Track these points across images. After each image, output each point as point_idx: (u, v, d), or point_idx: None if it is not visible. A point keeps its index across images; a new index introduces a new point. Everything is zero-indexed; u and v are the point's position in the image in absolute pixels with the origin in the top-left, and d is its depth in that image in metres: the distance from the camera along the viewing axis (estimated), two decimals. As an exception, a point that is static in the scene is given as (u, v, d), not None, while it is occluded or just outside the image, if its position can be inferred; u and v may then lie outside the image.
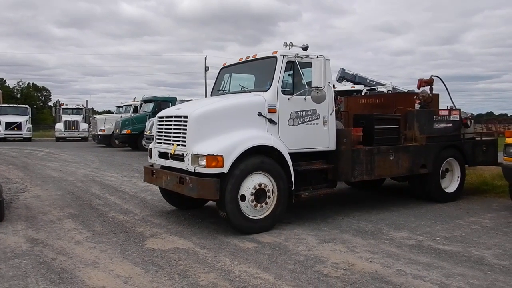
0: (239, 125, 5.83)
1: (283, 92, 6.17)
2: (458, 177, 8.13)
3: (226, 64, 7.36)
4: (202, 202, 7.19)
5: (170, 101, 21.82)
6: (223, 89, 7.24)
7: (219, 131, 5.71)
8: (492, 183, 9.42)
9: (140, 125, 20.68)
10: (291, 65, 6.26)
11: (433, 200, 7.81)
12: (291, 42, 6.38)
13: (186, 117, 5.84)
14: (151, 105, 21.83)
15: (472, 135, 8.82)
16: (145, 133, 19.28)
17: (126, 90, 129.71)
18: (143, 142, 20.60)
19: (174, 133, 6.11)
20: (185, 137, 5.80)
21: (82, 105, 33.48)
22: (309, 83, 6.14)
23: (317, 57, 6.03)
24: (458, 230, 5.90)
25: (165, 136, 6.34)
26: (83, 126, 30.35)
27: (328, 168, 6.58)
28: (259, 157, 5.74)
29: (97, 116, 27.12)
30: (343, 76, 15.25)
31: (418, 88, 8.50)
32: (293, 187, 6.02)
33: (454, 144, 8.04)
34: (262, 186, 5.70)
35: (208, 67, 43.08)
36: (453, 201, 7.91)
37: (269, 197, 5.78)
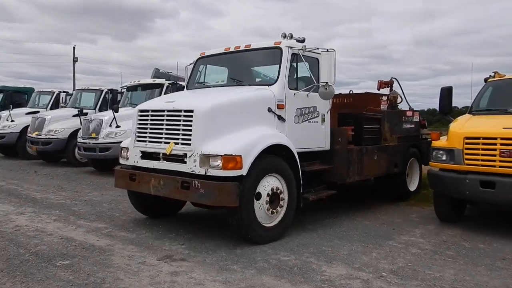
0: (249, 121, 5.23)
1: (289, 87, 5.73)
2: (418, 175, 8.45)
3: (205, 54, 6.67)
4: (178, 209, 6.49)
5: (25, 92, 18.75)
6: (202, 81, 6.59)
7: (229, 128, 5.04)
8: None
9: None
10: (294, 58, 5.85)
11: (399, 198, 7.92)
12: (290, 33, 5.95)
13: (191, 111, 5.00)
14: (0, 96, 18.22)
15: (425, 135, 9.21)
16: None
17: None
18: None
19: (167, 129, 5.22)
20: (187, 135, 4.99)
21: None
22: (310, 78, 5.87)
23: (327, 50, 5.66)
24: (399, 258, 4.79)
25: (151, 133, 5.42)
26: None
27: (327, 169, 6.21)
28: (273, 157, 5.18)
29: None
30: (158, 77, 14.76)
31: (378, 89, 8.56)
32: (301, 190, 5.56)
33: (415, 144, 8.34)
34: (275, 190, 5.16)
35: (77, 57, 38.58)
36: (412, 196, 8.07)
37: (282, 199, 5.27)
